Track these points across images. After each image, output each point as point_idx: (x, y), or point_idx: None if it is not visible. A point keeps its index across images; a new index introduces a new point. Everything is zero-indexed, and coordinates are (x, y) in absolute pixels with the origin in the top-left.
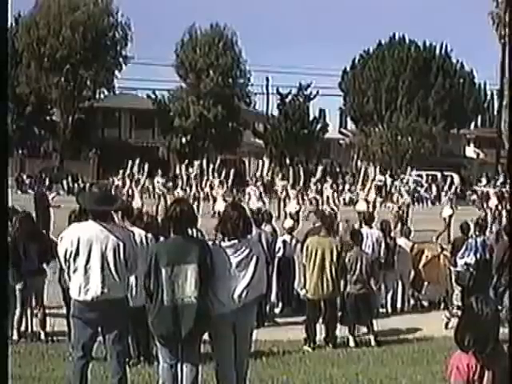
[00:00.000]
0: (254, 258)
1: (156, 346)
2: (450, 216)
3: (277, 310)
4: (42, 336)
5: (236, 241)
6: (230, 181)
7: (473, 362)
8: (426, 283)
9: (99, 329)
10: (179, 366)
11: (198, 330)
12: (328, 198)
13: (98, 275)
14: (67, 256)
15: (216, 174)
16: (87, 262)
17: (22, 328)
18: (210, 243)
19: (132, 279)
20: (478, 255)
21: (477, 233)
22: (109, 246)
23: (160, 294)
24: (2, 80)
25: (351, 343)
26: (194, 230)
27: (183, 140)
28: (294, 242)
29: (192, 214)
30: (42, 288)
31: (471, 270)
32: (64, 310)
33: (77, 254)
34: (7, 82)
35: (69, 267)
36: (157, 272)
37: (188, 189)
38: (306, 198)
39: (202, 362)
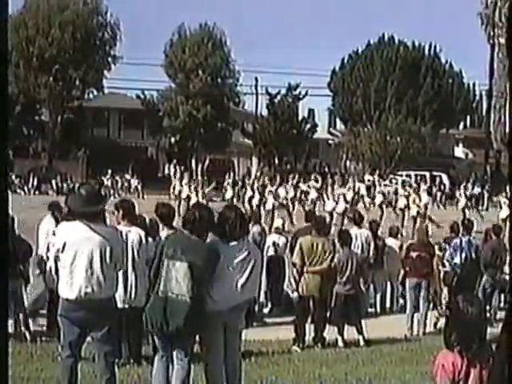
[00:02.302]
0: (252, 260)
1: (148, 345)
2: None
3: (266, 310)
4: (28, 336)
5: (235, 243)
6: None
7: (458, 360)
8: None
9: (87, 328)
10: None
11: (188, 327)
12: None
13: (83, 275)
14: (54, 256)
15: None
16: (72, 261)
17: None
18: (211, 244)
19: (125, 278)
20: (464, 255)
21: (464, 233)
22: (94, 247)
23: (157, 284)
24: (1, 79)
25: (340, 343)
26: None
27: (172, 140)
28: (283, 241)
29: (211, 219)
30: (18, 290)
31: (457, 269)
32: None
33: (63, 253)
34: (7, 81)
35: (56, 266)
36: (159, 263)
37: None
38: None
39: (192, 362)
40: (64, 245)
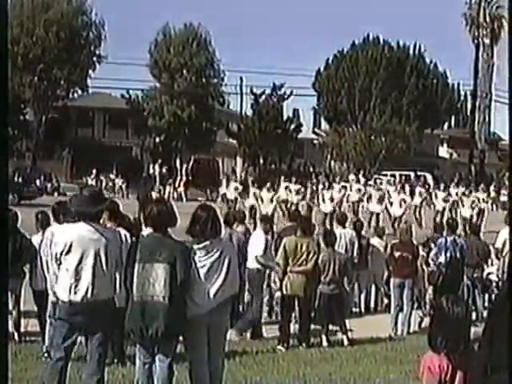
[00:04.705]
0: (227, 259)
1: (134, 346)
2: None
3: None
4: (16, 336)
5: (208, 242)
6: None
7: (444, 362)
8: None
9: (86, 330)
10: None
11: (168, 330)
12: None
13: (90, 276)
14: (58, 257)
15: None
16: (79, 262)
17: None
18: (184, 244)
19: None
20: (449, 254)
21: (448, 232)
22: (101, 247)
23: (132, 289)
24: (2, 77)
25: (324, 343)
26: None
27: (157, 140)
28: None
29: (170, 213)
30: (18, 289)
31: (442, 269)
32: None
33: (68, 254)
34: (7, 80)
35: (58, 268)
36: (132, 268)
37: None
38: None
39: (176, 361)
40: (70, 246)
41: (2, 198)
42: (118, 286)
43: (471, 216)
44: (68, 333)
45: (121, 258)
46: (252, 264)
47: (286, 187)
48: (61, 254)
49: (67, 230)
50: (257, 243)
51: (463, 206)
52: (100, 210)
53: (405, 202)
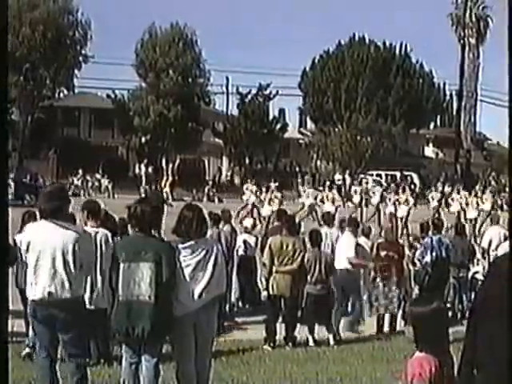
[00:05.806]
0: (212, 258)
1: (120, 346)
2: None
3: (237, 310)
4: None
5: (193, 242)
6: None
7: (433, 364)
8: None
9: (56, 329)
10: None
11: (154, 329)
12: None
13: (46, 274)
14: (21, 255)
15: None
16: (37, 261)
17: None
18: (169, 244)
19: (91, 279)
20: (435, 254)
21: (434, 231)
22: (59, 245)
23: (117, 289)
24: (1, 77)
25: (311, 342)
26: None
27: (143, 139)
28: (253, 241)
29: (155, 214)
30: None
31: (428, 268)
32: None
33: (27, 253)
34: (7, 79)
35: (23, 266)
36: (117, 268)
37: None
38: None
39: (163, 361)
40: (28, 244)
41: (2, 199)
42: (90, 286)
43: (476, 217)
44: (43, 331)
45: (95, 258)
46: (341, 265)
47: (304, 191)
48: (23, 252)
49: (29, 228)
50: (346, 245)
51: (468, 207)
52: (58, 206)
53: (408, 203)
